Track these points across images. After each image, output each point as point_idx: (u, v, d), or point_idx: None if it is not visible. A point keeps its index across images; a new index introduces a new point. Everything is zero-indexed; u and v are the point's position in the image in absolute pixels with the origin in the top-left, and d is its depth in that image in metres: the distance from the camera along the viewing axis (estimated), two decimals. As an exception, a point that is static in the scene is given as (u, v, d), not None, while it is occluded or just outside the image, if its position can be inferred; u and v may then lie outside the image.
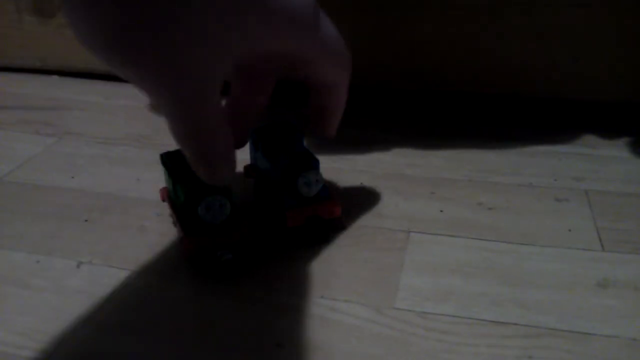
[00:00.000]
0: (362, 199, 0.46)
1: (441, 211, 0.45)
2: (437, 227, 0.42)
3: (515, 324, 0.33)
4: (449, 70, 0.67)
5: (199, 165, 0.31)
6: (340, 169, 0.50)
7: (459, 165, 0.52)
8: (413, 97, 0.67)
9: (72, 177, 0.50)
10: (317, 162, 0.40)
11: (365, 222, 0.43)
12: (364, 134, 0.59)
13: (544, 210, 0.44)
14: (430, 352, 0.31)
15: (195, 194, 0.36)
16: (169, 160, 0.41)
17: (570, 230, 0.42)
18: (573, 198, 0.46)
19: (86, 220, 0.44)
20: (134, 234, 0.42)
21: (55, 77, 0.75)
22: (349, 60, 0.34)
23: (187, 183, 0.37)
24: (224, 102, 0.33)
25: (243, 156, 0.39)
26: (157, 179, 0.50)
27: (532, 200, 0.46)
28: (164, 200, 0.43)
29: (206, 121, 0.28)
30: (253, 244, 0.39)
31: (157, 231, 0.42)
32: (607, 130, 0.58)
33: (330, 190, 0.41)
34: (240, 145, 0.36)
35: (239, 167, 0.34)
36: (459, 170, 0.51)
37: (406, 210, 0.45)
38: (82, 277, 0.37)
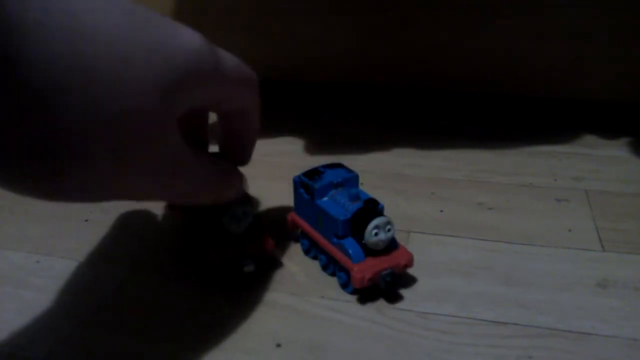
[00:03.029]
0: (362, 199, 0.46)
1: (441, 211, 0.45)
2: (438, 227, 0.42)
3: (516, 324, 0.33)
4: (450, 71, 0.67)
5: (216, 197, 0.31)
6: (340, 169, 0.50)
7: (459, 165, 0.52)
8: (413, 97, 0.67)
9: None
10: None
11: (365, 222, 0.42)
12: (364, 133, 0.59)
13: (544, 210, 0.44)
14: (430, 352, 0.31)
15: (220, 204, 0.34)
16: None
17: (570, 230, 0.42)
18: (573, 198, 0.46)
19: (86, 220, 0.44)
20: (134, 233, 0.42)
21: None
22: (255, 80, 0.30)
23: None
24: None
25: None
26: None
27: (532, 200, 0.46)
28: (172, 208, 0.42)
29: (190, 174, 0.27)
30: (273, 253, 0.38)
31: (159, 231, 0.42)
32: (607, 130, 0.58)
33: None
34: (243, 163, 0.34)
35: None
36: (459, 170, 0.51)
37: (406, 210, 0.45)
38: (83, 277, 0.37)
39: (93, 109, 0.21)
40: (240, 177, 0.33)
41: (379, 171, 0.51)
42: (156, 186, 0.25)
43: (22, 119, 0.19)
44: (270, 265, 0.38)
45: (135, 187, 0.24)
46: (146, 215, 0.44)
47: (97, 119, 0.21)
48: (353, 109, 0.66)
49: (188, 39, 0.24)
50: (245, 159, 0.34)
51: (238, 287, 0.36)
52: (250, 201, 0.36)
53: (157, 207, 0.45)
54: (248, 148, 0.33)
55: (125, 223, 0.43)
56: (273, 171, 0.50)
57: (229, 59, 0.27)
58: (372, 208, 0.35)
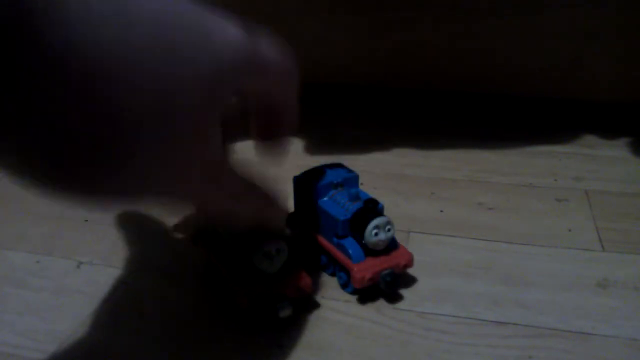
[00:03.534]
0: (362, 199, 0.46)
1: (441, 211, 0.45)
2: (437, 227, 0.42)
3: (515, 324, 0.33)
4: (449, 70, 0.67)
5: (257, 216, 0.29)
6: (340, 169, 0.50)
7: (459, 166, 0.52)
8: (414, 97, 0.67)
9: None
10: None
11: (365, 222, 0.43)
12: (364, 133, 0.59)
13: (544, 210, 0.45)
14: (430, 352, 0.31)
15: (250, 241, 0.32)
16: None
17: (570, 230, 0.42)
18: (573, 198, 0.46)
19: (86, 220, 0.44)
20: (135, 233, 0.42)
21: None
22: (295, 73, 0.29)
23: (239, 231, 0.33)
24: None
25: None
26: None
27: (532, 200, 0.46)
28: (195, 244, 0.37)
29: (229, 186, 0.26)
30: (311, 292, 0.34)
31: (159, 231, 0.42)
32: (607, 130, 0.58)
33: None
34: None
35: None
36: (459, 171, 0.51)
37: (406, 211, 0.45)
38: (82, 277, 0.38)
39: (141, 100, 0.20)
40: (283, 202, 0.31)
41: (379, 171, 0.51)
42: (198, 187, 0.25)
43: (71, 109, 0.19)
44: (308, 306, 0.34)
45: (177, 186, 0.24)
46: (147, 216, 0.44)
47: (144, 110, 0.20)
48: (353, 109, 0.66)
49: (233, 34, 0.24)
50: (286, 138, 0.31)
51: (273, 329, 0.33)
52: (284, 237, 0.33)
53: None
54: (283, 143, 0.31)
55: (125, 223, 0.43)
56: (273, 171, 0.50)
57: (270, 51, 0.27)
58: (372, 208, 0.35)
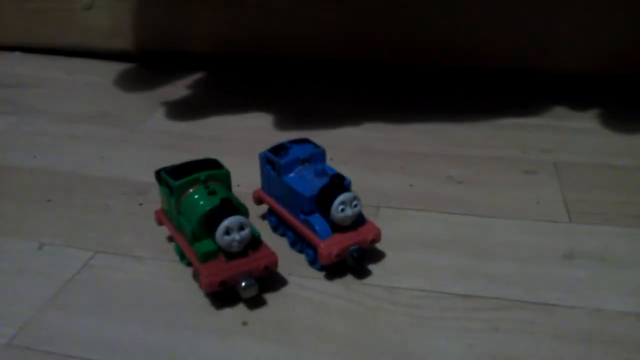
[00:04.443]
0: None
1: (411, 185, 0.45)
2: (407, 201, 0.42)
3: (482, 297, 0.33)
4: (420, 44, 0.67)
5: None
6: (309, 144, 0.50)
7: (429, 139, 0.52)
8: (384, 72, 0.67)
9: (34, 157, 0.49)
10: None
11: (334, 197, 0.42)
12: (335, 108, 0.59)
13: (513, 183, 0.45)
14: (397, 327, 0.31)
15: (212, 217, 0.32)
16: (171, 176, 0.34)
17: (538, 203, 0.42)
18: (542, 170, 0.46)
19: (49, 201, 0.43)
20: (98, 214, 0.41)
21: (17, 54, 0.73)
22: None
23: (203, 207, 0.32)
24: None
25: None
26: (122, 157, 0.49)
27: (501, 173, 0.46)
28: (161, 224, 0.37)
29: None
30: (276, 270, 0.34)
31: (122, 211, 0.42)
32: (577, 102, 0.58)
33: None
34: None
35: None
36: (428, 144, 0.51)
37: (376, 185, 0.44)
38: (44, 259, 0.37)
39: None
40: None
41: (349, 146, 0.50)
42: None
43: None
44: (274, 283, 0.34)
45: None
46: (111, 194, 0.43)
47: None
48: (324, 83, 0.65)
49: None
50: None
51: (237, 307, 0.33)
52: (247, 213, 0.33)
53: (122, 187, 0.44)
54: None
55: (89, 203, 0.42)
56: (241, 147, 0.50)
57: None
58: (339, 184, 0.34)
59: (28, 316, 0.32)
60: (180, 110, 0.58)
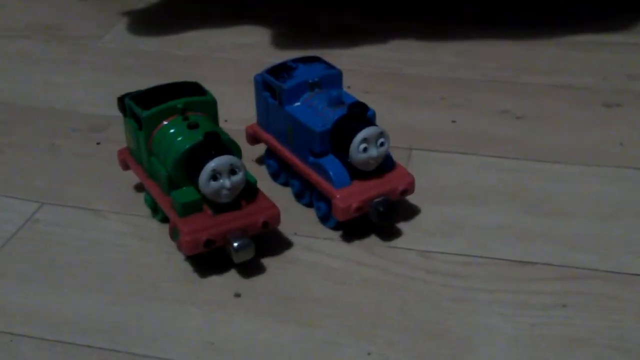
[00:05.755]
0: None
1: (453, 122, 0.45)
2: (447, 142, 0.43)
3: (546, 264, 0.33)
4: None
5: None
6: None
7: (477, 62, 0.52)
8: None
9: (-43, 82, 0.50)
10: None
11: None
12: (353, 20, 0.58)
13: (588, 119, 0.45)
14: (434, 301, 0.31)
15: (195, 158, 0.32)
16: (139, 104, 0.34)
17: (621, 144, 0.42)
18: (627, 103, 0.46)
19: (-22, 139, 0.44)
20: (43, 155, 0.42)
21: None
22: None
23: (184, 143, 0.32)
24: None
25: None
26: (71, 83, 0.50)
27: (573, 107, 0.46)
28: (126, 168, 0.38)
29: None
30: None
31: (73, 152, 0.42)
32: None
33: None
34: None
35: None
36: (476, 69, 0.51)
37: (406, 122, 0.45)
38: (-24, 213, 0.37)
39: None
40: None
41: (370, 70, 0.50)
42: None
43: None
44: (275, 245, 0.35)
45: None
46: (59, 131, 0.44)
47: None
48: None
49: None
50: None
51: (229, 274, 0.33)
52: (240, 153, 0.33)
53: (72, 121, 0.44)
54: None
55: (32, 142, 0.43)
56: (228, 71, 0.50)
57: None
58: (360, 115, 0.34)
59: (-42, 284, 0.33)
60: (146, 22, 0.58)
